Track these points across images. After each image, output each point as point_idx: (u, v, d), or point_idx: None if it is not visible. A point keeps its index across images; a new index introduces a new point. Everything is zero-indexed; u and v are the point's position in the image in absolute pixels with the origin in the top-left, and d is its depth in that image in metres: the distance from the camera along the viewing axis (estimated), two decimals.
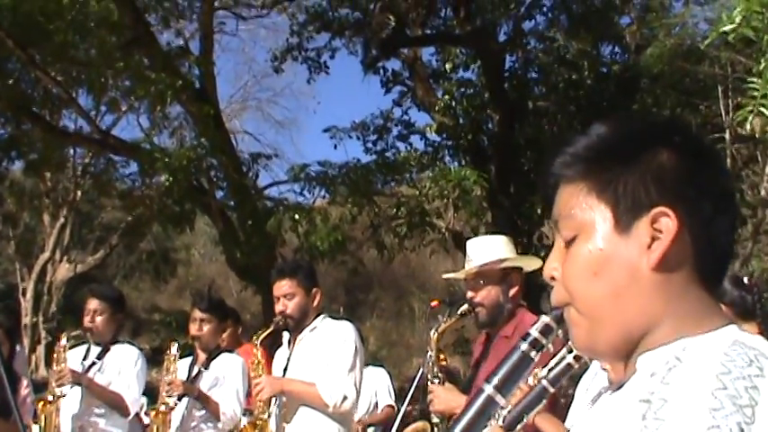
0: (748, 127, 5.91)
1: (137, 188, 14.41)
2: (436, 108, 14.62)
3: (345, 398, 4.48)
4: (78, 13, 11.35)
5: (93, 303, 5.72)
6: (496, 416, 1.49)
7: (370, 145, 15.55)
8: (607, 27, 13.91)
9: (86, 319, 5.70)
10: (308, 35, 15.20)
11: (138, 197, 14.41)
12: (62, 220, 18.82)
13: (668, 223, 1.21)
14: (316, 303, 4.81)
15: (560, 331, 1.45)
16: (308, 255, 12.59)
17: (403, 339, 25.43)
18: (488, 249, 4.06)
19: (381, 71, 15.39)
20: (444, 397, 3.94)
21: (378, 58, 14.71)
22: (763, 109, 5.59)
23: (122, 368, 5.59)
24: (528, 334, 1.46)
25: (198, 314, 5.62)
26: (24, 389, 5.75)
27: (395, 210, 13.24)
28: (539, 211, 13.54)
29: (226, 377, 5.47)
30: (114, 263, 23.63)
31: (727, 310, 3.33)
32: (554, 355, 1.84)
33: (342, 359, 4.58)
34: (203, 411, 5.36)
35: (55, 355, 5.61)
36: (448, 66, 15.12)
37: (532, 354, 1.45)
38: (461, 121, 14.66)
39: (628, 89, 13.56)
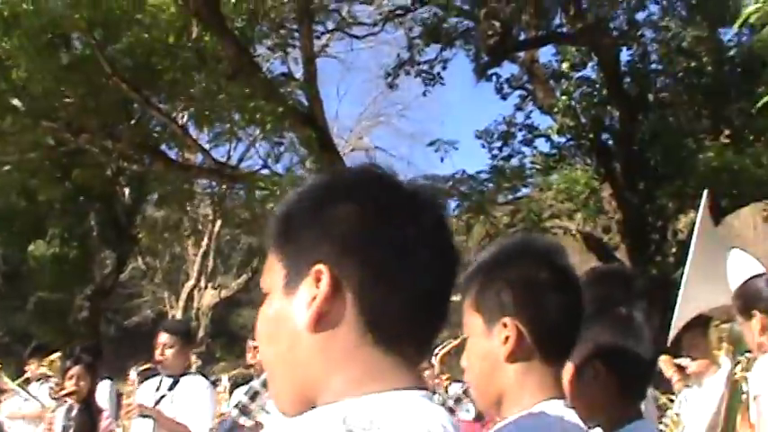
0: None
1: (259, 214, 14.78)
2: (555, 110, 14.30)
3: None
4: (186, 50, 11.76)
5: (163, 337, 5.91)
6: None
7: (495, 152, 15.39)
8: (724, 10, 13.22)
9: (157, 353, 5.90)
10: (419, 48, 15.17)
11: (261, 221, 14.76)
12: (204, 247, 19.53)
13: (323, 281, 1.15)
14: None
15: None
16: None
17: None
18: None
19: (495, 78, 15.21)
20: None
21: (488, 65, 14.51)
22: None
23: (191, 399, 5.72)
24: (239, 401, 1.43)
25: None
26: (105, 419, 6.03)
27: (510, 217, 13.02)
28: (669, 205, 13.12)
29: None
30: (258, 286, 24.24)
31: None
32: None
33: None
34: None
35: (126, 390, 5.86)
36: (565, 65, 14.75)
37: (241, 420, 1.42)
38: (582, 120, 14.29)
39: (753, 72, 12.84)
